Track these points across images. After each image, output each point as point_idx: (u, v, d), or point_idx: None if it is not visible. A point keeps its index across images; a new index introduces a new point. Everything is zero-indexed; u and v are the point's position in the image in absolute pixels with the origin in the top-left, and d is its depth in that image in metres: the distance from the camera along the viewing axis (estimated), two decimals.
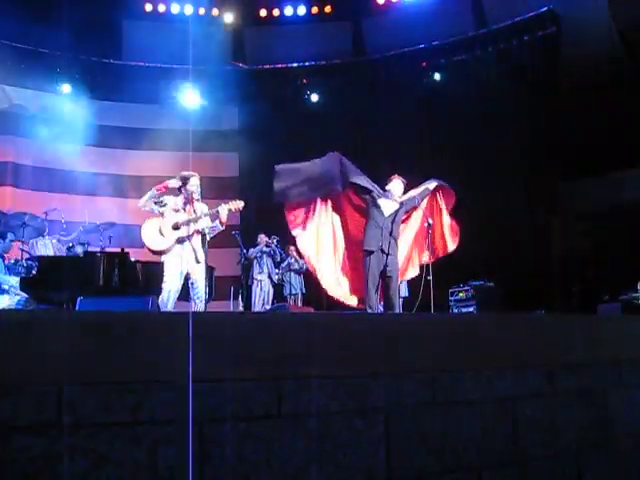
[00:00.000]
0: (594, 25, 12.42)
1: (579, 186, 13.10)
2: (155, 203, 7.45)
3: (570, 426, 3.19)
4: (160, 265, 7.66)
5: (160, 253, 7.44)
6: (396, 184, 8.36)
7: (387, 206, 8.09)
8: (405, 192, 8.41)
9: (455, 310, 10.55)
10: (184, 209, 7.55)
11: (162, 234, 7.43)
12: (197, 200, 7.60)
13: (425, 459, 2.80)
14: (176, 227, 7.43)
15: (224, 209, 7.57)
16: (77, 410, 2.29)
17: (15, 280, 9.09)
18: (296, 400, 2.59)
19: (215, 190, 12.82)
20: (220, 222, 7.60)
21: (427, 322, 3.00)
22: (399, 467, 2.75)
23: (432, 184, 8.66)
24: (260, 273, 12.20)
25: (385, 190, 8.25)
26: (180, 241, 7.40)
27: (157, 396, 2.38)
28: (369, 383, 2.73)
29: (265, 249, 12.13)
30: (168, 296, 7.27)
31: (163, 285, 7.33)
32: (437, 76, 14.40)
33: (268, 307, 11.67)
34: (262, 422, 2.53)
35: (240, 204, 7.75)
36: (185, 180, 7.61)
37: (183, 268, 7.35)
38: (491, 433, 2.95)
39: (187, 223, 7.42)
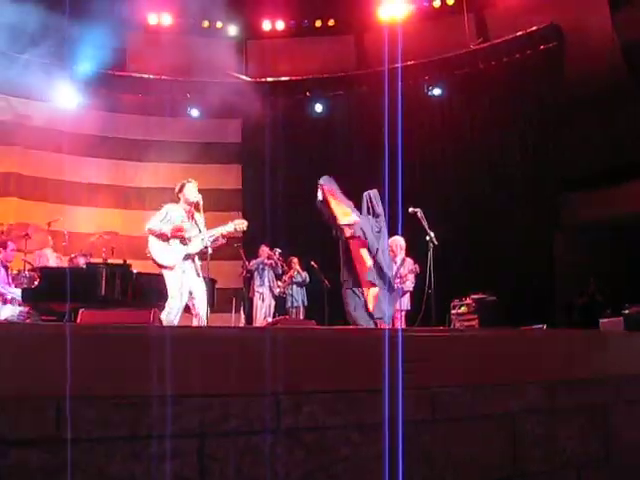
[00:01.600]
0: (596, 39, 12.45)
1: (581, 200, 13.10)
2: (161, 221, 7.39)
3: (570, 441, 3.18)
4: (161, 277, 7.63)
5: (168, 268, 7.36)
6: None
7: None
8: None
9: (457, 324, 10.54)
10: (189, 222, 7.52)
11: (171, 249, 7.36)
12: (196, 210, 7.57)
13: (425, 476, 2.80)
14: (184, 242, 7.39)
15: (230, 228, 7.60)
16: (76, 424, 2.29)
17: (18, 291, 9.11)
18: (295, 414, 2.59)
19: (218, 202, 12.83)
20: (222, 236, 7.62)
21: (427, 338, 2.99)
22: None
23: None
24: (261, 285, 12.18)
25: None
26: (187, 257, 7.38)
27: (156, 411, 2.38)
28: (368, 398, 2.72)
29: (267, 261, 12.12)
30: (176, 312, 7.21)
31: (169, 301, 7.25)
32: (439, 90, 14.43)
33: (270, 319, 11.65)
34: (261, 436, 2.53)
35: (244, 225, 7.76)
36: (181, 188, 7.56)
37: (186, 283, 7.32)
38: (491, 449, 2.94)
39: (195, 238, 7.38)
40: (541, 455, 3.06)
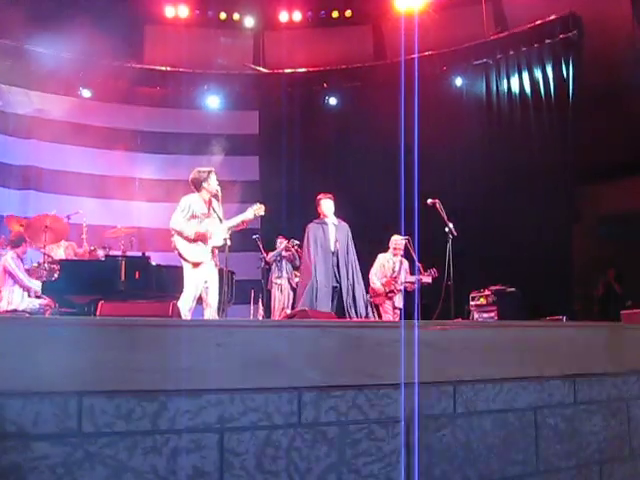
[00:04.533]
0: (616, 28, 12.32)
1: (599, 191, 13.01)
2: (184, 217, 7.36)
3: (593, 437, 3.15)
4: (180, 269, 7.65)
5: (194, 264, 7.34)
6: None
7: None
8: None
9: (476, 315, 10.50)
10: (210, 213, 7.50)
11: (196, 246, 7.33)
12: (215, 200, 7.55)
13: (445, 470, 2.78)
14: (210, 236, 7.38)
15: (249, 215, 7.60)
16: (97, 418, 2.29)
17: (38, 283, 9.17)
18: (316, 409, 2.58)
19: (235, 194, 12.84)
20: (243, 222, 7.62)
21: (447, 330, 2.97)
22: (419, 477, 2.72)
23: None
24: (279, 277, 12.19)
25: None
26: (212, 251, 7.40)
27: (178, 404, 2.38)
28: (390, 392, 2.71)
29: (284, 253, 12.13)
30: (191, 303, 7.22)
31: (185, 291, 7.27)
32: (458, 80, 14.34)
33: (288, 311, 11.66)
34: (282, 431, 2.52)
35: (262, 210, 7.75)
36: (206, 177, 7.51)
37: (205, 274, 7.32)
38: (513, 444, 2.92)
39: (217, 232, 7.36)
40: (564, 450, 3.03)
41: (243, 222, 7.63)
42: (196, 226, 7.34)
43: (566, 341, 3.29)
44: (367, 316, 8.91)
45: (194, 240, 7.26)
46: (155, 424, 2.34)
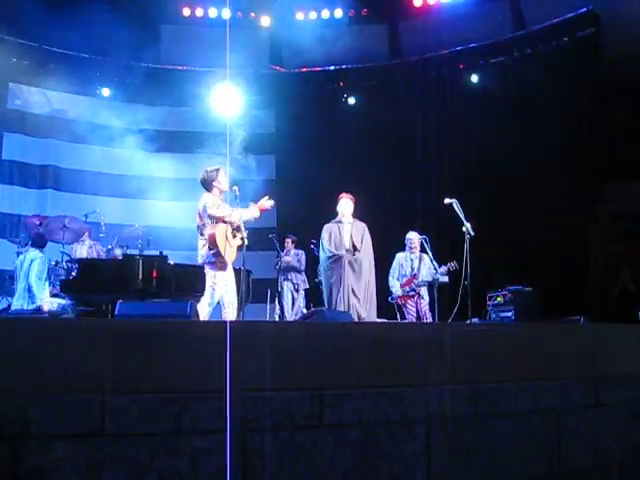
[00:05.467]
0: (634, 26, 12.22)
1: (616, 190, 12.90)
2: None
3: (614, 439, 3.13)
4: (197, 268, 7.64)
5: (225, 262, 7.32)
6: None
7: None
8: None
9: (493, 315, 10.44)
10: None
11: (230, 244, 7.32)
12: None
13: (467, 471, 2.77)
14: (234, 235, 7.37)
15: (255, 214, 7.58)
16: (121, 419, 2.30)
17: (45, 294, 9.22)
18: (338, 410, 2.58)
19: (252, 193, 12.83)
20: (254, 219, 7.61)
21: (471, 332, 2.96)
22: (441, 478, 2.72)
23: None
24: (288, 279, 12.16)
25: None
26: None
27: (200, 406, 2.39)
28: (411, 393, 2.71)
29: (285, 258, 12.06)
30: (211, 304, 7.19)
31: (211, 293, 7.22)
32: (474, 78, 14.27)
33: (305, 311, 11.64)
34: (304, 432, 2.52)
35: (270, 202, 7.74)
36: (216, 174, 7.48)
37: (227, 274, 7.32)
38: (535, 446, 2.91)
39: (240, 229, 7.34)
40: (585, 452, 3.02)
41: (255, 219, 7.60)
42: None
43: (586, 342, 3.28)
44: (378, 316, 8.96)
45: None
46: (178, 425, 2.35)
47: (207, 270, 7.29)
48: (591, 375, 3.15)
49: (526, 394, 2.93)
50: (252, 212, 7.51)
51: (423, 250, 10.18)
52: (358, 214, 9.23)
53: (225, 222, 7.27)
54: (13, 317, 7.91)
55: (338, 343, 2.66)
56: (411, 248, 10.34)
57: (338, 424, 2.56)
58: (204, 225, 7.29)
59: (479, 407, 2.82)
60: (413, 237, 10.33)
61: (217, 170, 7.48)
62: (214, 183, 7.43)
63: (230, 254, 7.29)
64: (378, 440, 2.62)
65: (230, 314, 7.25)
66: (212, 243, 7.18)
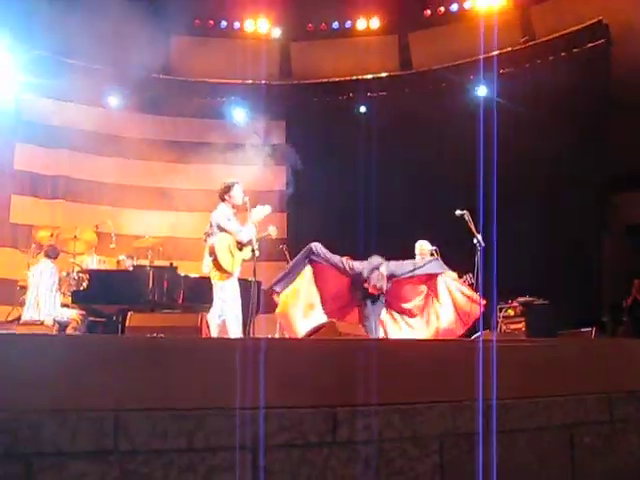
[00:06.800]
0: None
1: (628, 201, 12.86)
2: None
3: (630, 456, 3.11)
4: (207, 280, 7.65)
5: (229, 275, 7.33)
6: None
7: None
8: None
9: (504, 327, 10.41)
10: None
11: (232, 254, 7.34)
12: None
13: None
14: (240, 248, 7.39)
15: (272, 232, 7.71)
16: (133, 436, 2.30)
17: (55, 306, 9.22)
18: (351, 427, 2.57)
19: (263, 204, 12.85)
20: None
21: (476, 348, 2.95)
22: None
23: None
24: None
25: None
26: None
27: (213, 423, 2.38)
28: (423, 411, 2.69)
29: None
30: (235, 320, 7.18)
31: (232, 307, 7.22)
32: (484, 89, 14.27)
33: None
34: (317, 449, 2.51)
35: (267, 209, 7.85)
36: (228, 188, 7.55)
37: (234, 286, 7.33)
38: (549, 462, 2.89)
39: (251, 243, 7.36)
40: (599, 469, 3.00)
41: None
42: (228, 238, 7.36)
43: (603, 357, 3.26)
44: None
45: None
46: (191, 442, 2.35)
47: (214, 282, 7.32)
48: (607, 390, 3.13)
49: (539, 410, 2.91)
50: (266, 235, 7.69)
51: None
52: (369, 224, 9.24)
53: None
54: (27, 334, 7.92)
55: (349, 358, 2.65)
56: (421, 255, 10.30)
57: (351, 441, 2.55)
58: (212, 234, 7.37)
59: (491, 424, 2.80)
60: (423, 245, 10.27)
61: (231, 185, 7.56)
62: (226, 197, 7.51)
63: (232, 265, 7.30)
64: (391, 458, 2.60)
65: (234, 326, 7.21)
66: (212, 253, 7.24)
